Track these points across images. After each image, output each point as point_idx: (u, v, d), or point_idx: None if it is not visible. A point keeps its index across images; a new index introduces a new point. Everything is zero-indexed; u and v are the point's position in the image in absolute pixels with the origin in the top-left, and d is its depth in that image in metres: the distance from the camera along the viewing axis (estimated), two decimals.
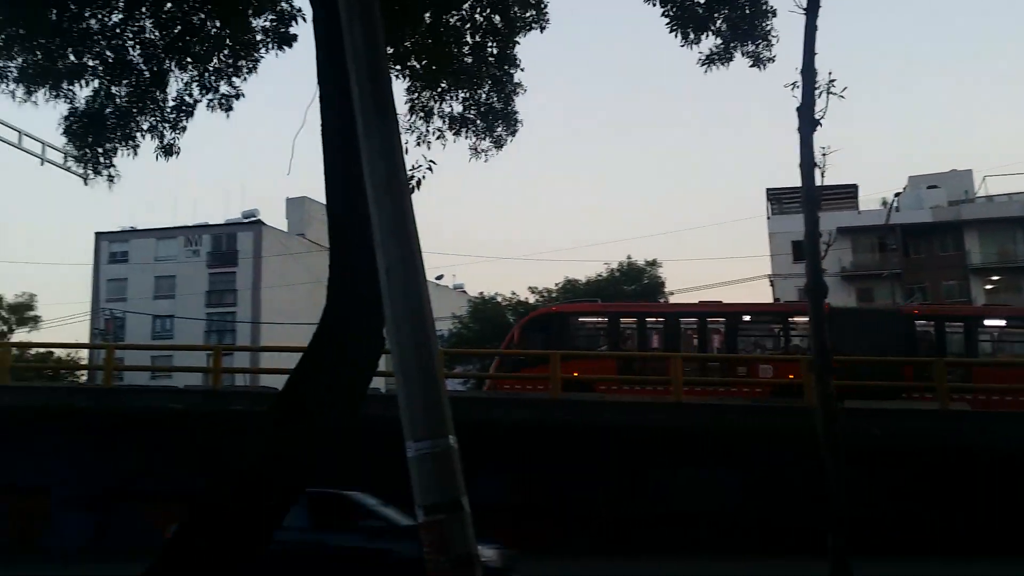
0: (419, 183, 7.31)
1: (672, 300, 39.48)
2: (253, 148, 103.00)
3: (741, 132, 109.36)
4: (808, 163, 9.66)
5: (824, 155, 9.90)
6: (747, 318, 20.69)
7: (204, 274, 54.98)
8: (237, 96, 7.88)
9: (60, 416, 19.25)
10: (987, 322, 19.90)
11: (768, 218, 48.81)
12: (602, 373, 19.19)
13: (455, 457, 3.80)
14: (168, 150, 8.02)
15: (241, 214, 57.46)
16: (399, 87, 8.38)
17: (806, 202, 10.12)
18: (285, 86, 52.69)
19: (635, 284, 47.16)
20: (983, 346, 19.36)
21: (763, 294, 44.32)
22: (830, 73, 10.08)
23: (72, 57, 7.09)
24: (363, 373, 6.16)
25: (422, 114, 8.58)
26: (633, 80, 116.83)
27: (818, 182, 9.80)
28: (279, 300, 52.20)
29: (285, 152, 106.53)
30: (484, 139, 9.10)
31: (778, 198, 48.76)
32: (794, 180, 10.02)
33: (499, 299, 50.39)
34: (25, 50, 6.80)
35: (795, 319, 19.83)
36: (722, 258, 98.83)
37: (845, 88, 9.96)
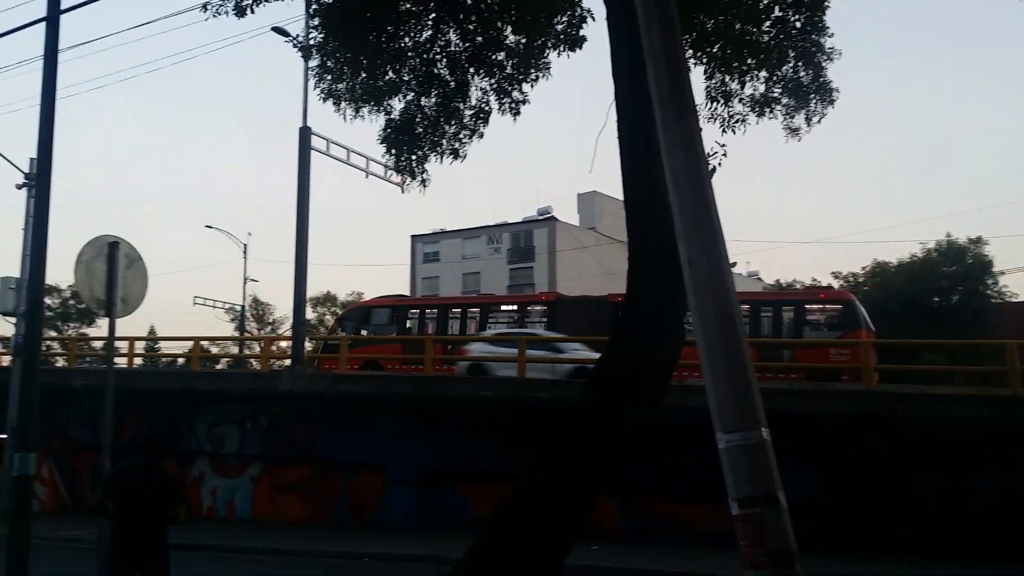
0: (714, 170, 7.17)
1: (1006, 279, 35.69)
2: (544, 147, 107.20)
3: None
4: None
5: None
6: (505, 308, 25.18)
7: (505, 270, 58.22)
8: (524, 101, 8.27)
9: (389, 402, 21.37)
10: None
11: None
12: (388, 353, 23.72)
13: (768, 450, 3.71)
14: (456, 153, 8.60)
15: (536, 211, 60.03)
16: (695, 73, 8.27)
17: None
18: (564, 87, 54.25)
19: (956, 265, 42.17)
20: None
21: None
22: None
23: (391, 74, 7.86)
24: (666, 364, 6.18)
25: (721, 100, 8.38)
26: (938, 43, 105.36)
27: None
28: (575, 292, 53.86)
29: (572, 150, 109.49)
30: (794, 117, 8.65)
31: None
32: None
33: (798, 287, 48.02)
34: (353, 72, 7.67)
35: (531, 307, 24.41)
36: None
37: None
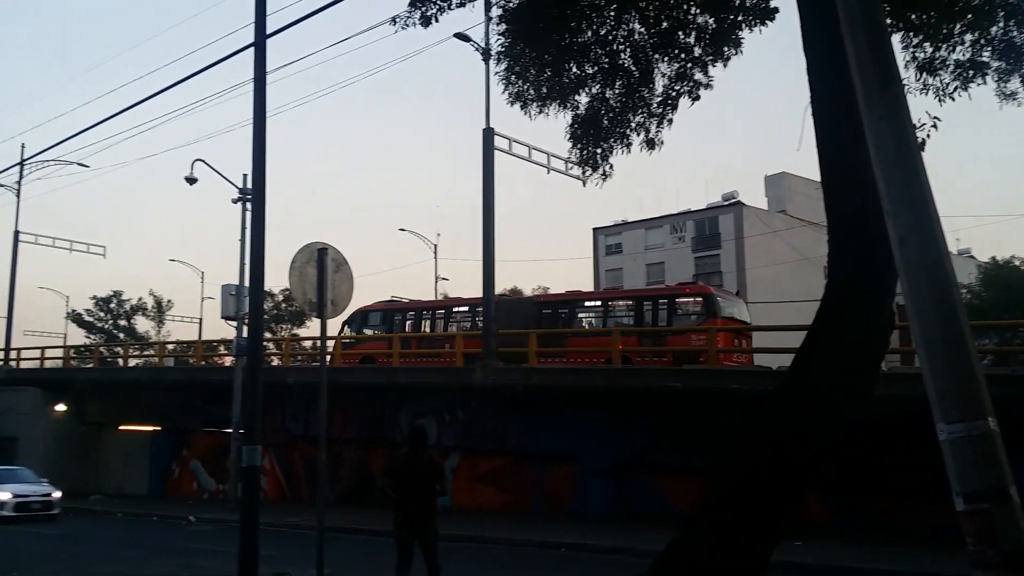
0: (923, 143, 6.69)
1: None
2: (728, 130, 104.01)
3: None
4: None
5: None
6: (458, 308, 28.48)
7: (690, 259, 57.02)
8: (707, 85, 8.03)
9: (580, 394, 21.55)
10: (587, 303, 26.12)
11: None
12: (381, 349, 27.02)
13: (997, 441, 3.42)
14: (651, 143, 8.47)
15: (721, 197, 58.39)
16: (894, 42, 7.73)
17: None
18: (749, 65, 52.15)
19: None
20: (578, 321, 25.33)
21: None
22: None
23: (574, 69, 7.91)
24: (874, 351, 5.85)
25: (924, 67, 7.78)
26: None
27: None
28: (764, 279, 51.95)
29: (759, 132, 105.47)
30: (1007, 81, 7.88)
31: None
32: None
33: (1016, 262, 43.88)
34: (538, 71, 7.79)
35: (457, 308, 28.34)
36: None
37: None
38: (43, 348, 40.68)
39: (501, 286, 64.73)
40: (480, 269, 22.84)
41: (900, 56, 8.01)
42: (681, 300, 23.98)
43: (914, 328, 3.67)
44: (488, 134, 22.85)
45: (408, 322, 28.40)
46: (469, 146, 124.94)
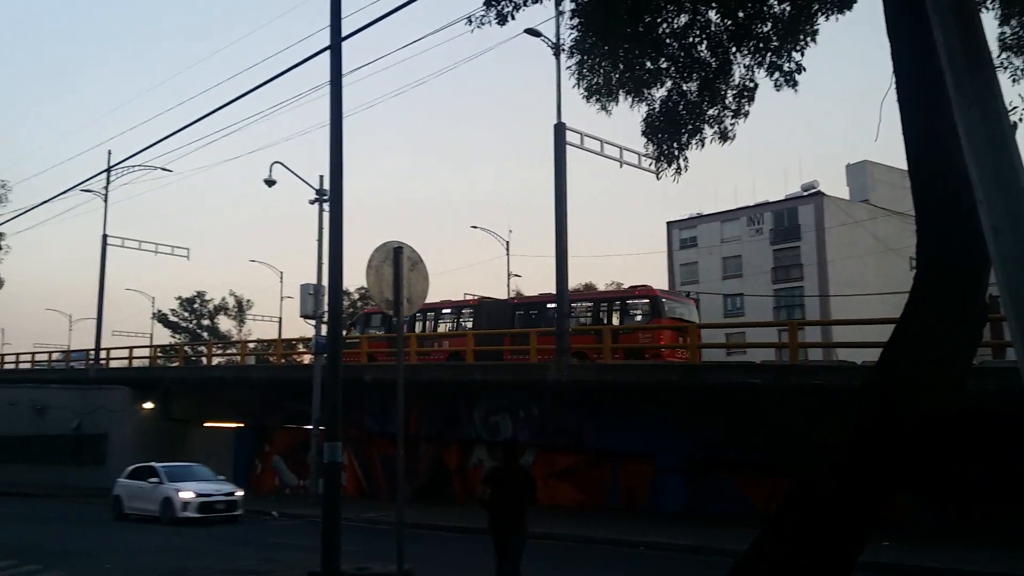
0: (1015, 126, 6.39)
1: None
2: (805, 120, 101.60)
3: None
4: None
5: None
6: (445, 311, 30.01)
7: (768, 251, 55.83)
8: (799, 70, 7.82)
9: (656, 391, 21.34)
10: (549, 305, 25.70)
11: None
12: (380, 348, 29.31)
13: None
14: (724, 135, 8.30)
15: (800, 187, 57.00)
16: (985, 20, 7.40)
17: None
18: (827, 53, 50.64)
19: None
20: (547, 320, 25.49)
21: None
22: None
23: (649, 64, 7.80)
24: (966, 344, 5.61)
25: (1016, 48, 7.42)
26: None
27: None
28: (846, 271, 50.58)
29: (839, 120, 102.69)
30: None
31: None
32: None
33: None
34: (612, 66, 7.71)
35: (464, 310, 29.73)
36: None
37: None
38: (131, 348, 42.32)
39: (575, 281, 64.54)
40: (553, 265, 22.81)
41: (993, 35, 7.68)
42: (631, 302, 25.90)
43: (1010, 321, 3.50)
44: (559, 129, 22.79)
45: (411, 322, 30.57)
46: (540, 142, 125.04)
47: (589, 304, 27.31)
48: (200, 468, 24.48)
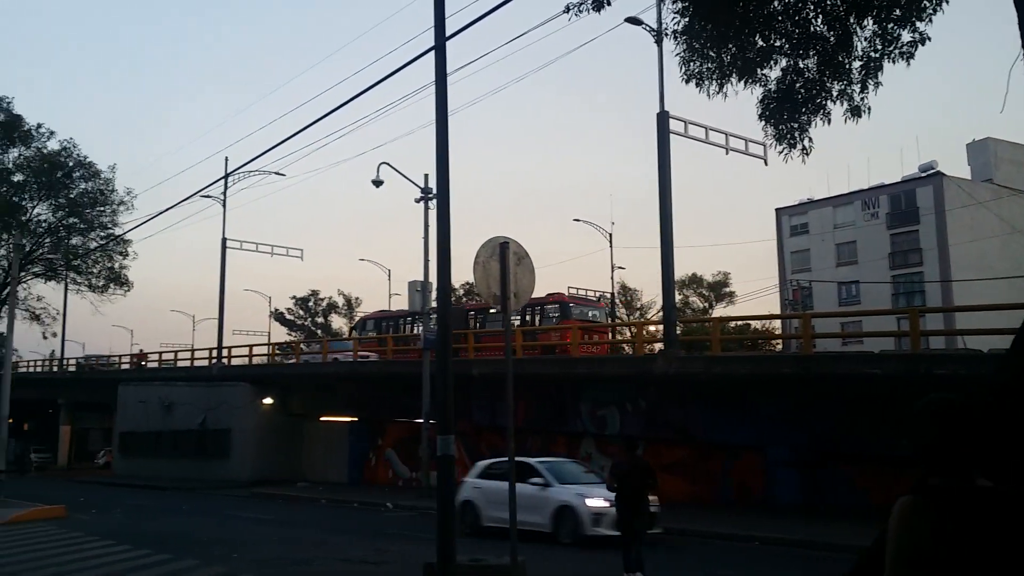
0: None
1: None
2: (922, 96, 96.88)
3: None
4: None
5: None
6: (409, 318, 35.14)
7: (885, 236, 53.53)
8: (922, 41, 7.40)
9: (767, 382, 20.81)
10: (491, 311, 29.26)
11: None
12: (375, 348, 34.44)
13: None
14: (857, 111, 7.92)
15: (918, 168, 54.45)
16: None
17: None
18: (943, 27, 48.09)
19: None
20: (491, 323, 30.13)
21: None
22: None
23: (760, 43, 7.54)
24: None
25: None
26: None
27: None
28: (969, 255, 48.00)
29: (959, 96, 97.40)
30: None
31: None
32: None
33: None
34: (720, 48, 7.50)
35: (432, 315, 29.75)
36: None
37: None
38: (251, 346, 44.16)
39: (681, 272, 63.63)
40: (658, 256, 22.51)
41: None
42: (547, 306, 30.25)
43: None
44: (663, 118, 22.44)
45: (389, 327, 36.55)
46: (642, 132, 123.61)
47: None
48: (574, 465, 19.18)
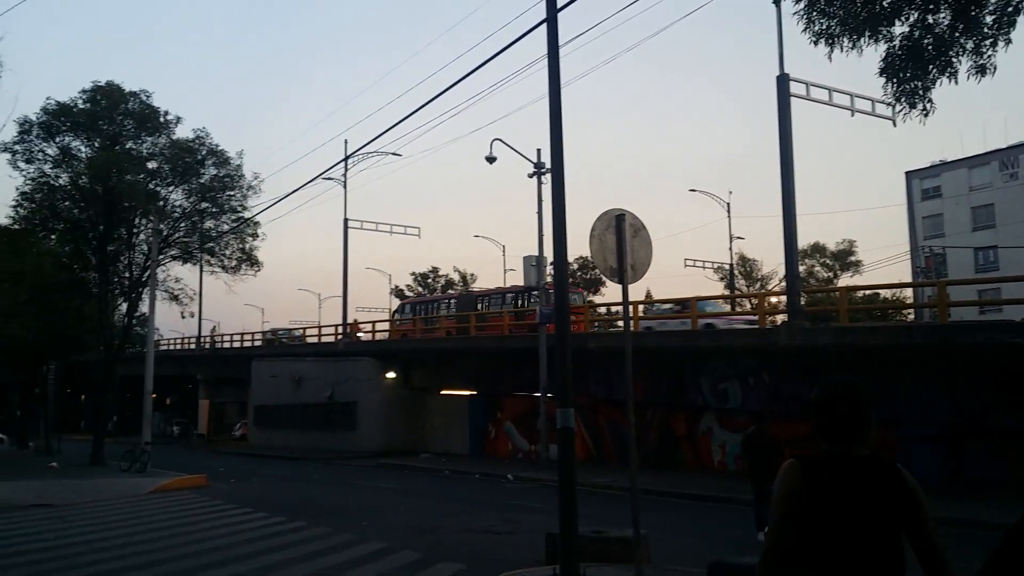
0: None
1: None
2: None
3: None
4: None
5: None
6: (443, 300, 43.34)
7: None
8: None
9: (900, 354, 19.91)
10: (493, 296, 37.77)
11: None
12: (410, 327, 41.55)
13: None
14: (982, 69, 7.43)
15: None
16: None
17: None
18: None
19: None
20: (496, 305, 36.35)
21: None
22: None
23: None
24: None
25: None
26: None
27: None
28: None
29: None
30: None
31: None
32: None
33: None
34: (846, 4, 7.14)
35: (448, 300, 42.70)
36: None
37: None
38: (373, 322, 45.53)
39: (803, 241, 61.44)
40: (779, 225, 21.82)
41: None
42: (533, 293, 33.00)
43: None
44: (782, 81, 21.65)
45: (422, 310, 42.61)
46: (759, 96, 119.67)
47: (513, 295, 36.13)
48: None
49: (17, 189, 30.48)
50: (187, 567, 10.61)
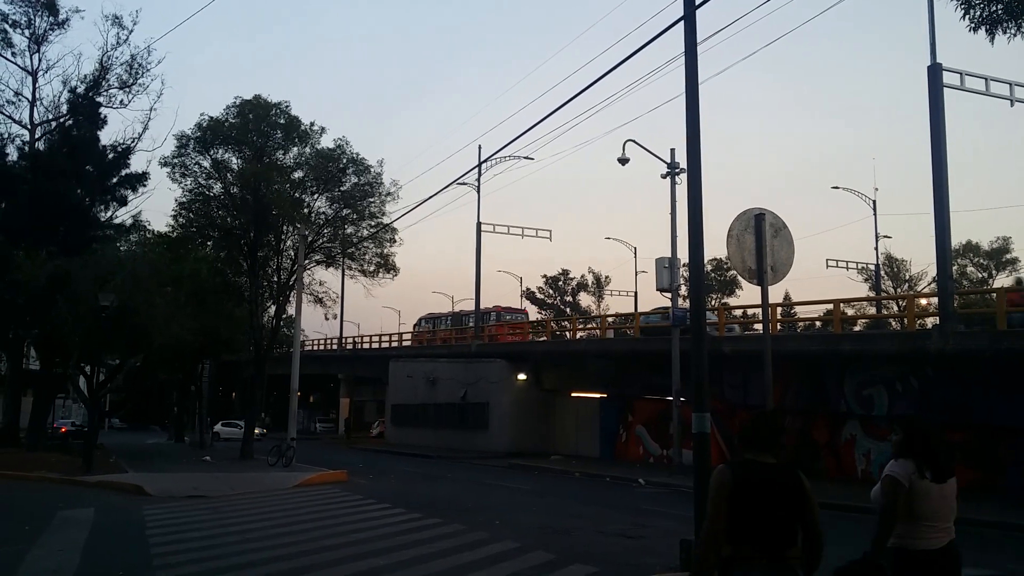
0: None
1: None
2: None
3: None
4: None
5: None
6: (458, 315, 54.49)
7: None
8: None
9: None
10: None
11: None
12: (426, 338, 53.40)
13: None
14: None
15: None
16: None
17: None
18: None
19: None
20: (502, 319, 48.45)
21: None
22: None
23: None
24: None
25: None
26: None
27: None
28: None
29: None
30: None
31: None
32: None
33: None
34: None
35: (464, 317, 51.71)
36: None
37: None
38: (507, 324, 46.05)
39: (955, 239, 57.79)
40: (931, 222, 20.63)
41: None
42: (491, 313, 45.86)
43: None
44: (934, 71, 20.48)
45: (441, 323, 53.78)
46: (907, 88, 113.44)
47: (495, 313, 48.48)
48: None
49: (176, 200, 32.69)
50: (328, 559, 11.03)
